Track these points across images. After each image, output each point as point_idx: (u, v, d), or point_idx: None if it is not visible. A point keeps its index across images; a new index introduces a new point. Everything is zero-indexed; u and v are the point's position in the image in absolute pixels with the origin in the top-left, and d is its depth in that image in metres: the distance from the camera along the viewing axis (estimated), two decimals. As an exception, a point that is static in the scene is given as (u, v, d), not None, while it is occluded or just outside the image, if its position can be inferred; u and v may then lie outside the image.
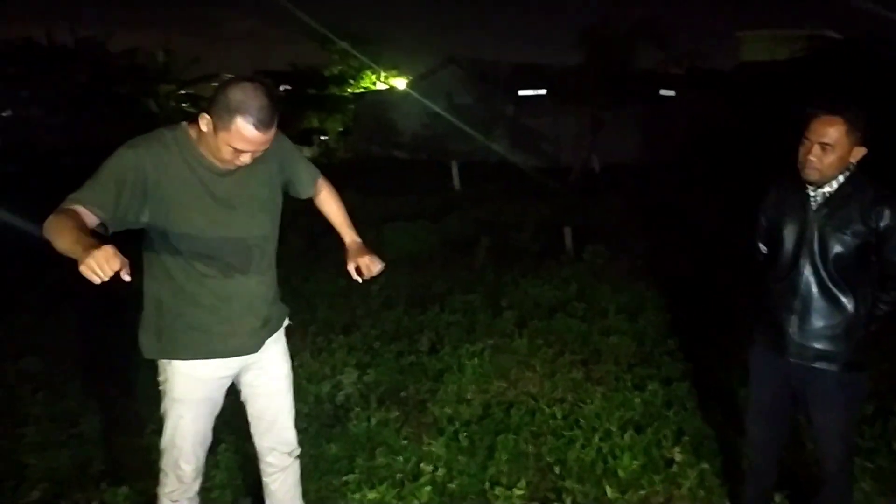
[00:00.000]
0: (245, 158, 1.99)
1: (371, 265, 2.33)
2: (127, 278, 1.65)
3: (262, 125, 1.91)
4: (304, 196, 2.41)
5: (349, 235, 2.46)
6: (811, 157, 2.26)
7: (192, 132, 2.04)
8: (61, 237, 1.71)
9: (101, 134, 20.06)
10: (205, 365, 2.16)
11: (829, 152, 2.24)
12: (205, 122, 1.95)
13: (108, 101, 21.67)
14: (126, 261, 1.63)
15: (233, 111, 1.89)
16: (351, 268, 2.37)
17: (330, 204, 2.49)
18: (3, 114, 21.79)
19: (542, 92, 20.97)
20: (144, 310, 2.15)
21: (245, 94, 1.90)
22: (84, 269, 1.59)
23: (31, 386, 3.80)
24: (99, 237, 1.76)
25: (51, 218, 1.79)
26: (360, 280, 2.37)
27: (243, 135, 1.91)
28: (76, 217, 1.80)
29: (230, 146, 1.94)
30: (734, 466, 3.02)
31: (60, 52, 22.36)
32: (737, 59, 26.04)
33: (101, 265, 1.58)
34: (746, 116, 17.06)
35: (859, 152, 2.28)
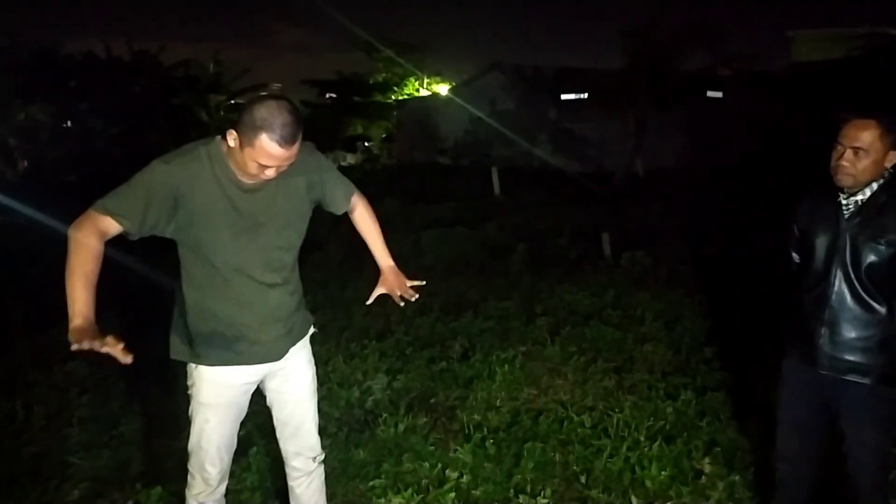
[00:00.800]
0: (270, 173, 2.05)
1: (407, 291, 2.46)
2: (127, 360, 1.86)
3: (284, 141, 1.97)
4: (338, 212, 2.44)
5: (384, 259, 2.51)
6: (844, 163, 2.21)
7: (224, 147, 2.11)
8: (72, 276, 1.90)
9: (156, 143, 20.84)
10: (229, 371, 2.22)
11: (863, 157, 2.19)
12: (232, 138, 2.02)
13: (162, 111, 22.44)
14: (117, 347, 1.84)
15: (257, 128, 1.95)
16: (375, 294, 2.49)
17: (365, 221, 2.50)
18: (64, 125, 22.73)
19: (586, 96, 20.78)
20: (175, 313, 2.24)
21: (269, 112, 1.96)
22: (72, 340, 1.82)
23: (78, 389, 3.97)
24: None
25: (76, 232, 1.93)
26: (369, 301, 2.50)
27: (267, 151, 1.97)
28: (96, 245, 1.93)
29: (255, 161, 2.00)
30: (768, 479, 2.94)
31: (117, 65, 23.26)
32: (788, 60, 25.24)
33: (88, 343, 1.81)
34: (799, 119, 16.54)
35: (895, 157, 2.21)
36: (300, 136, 2.02)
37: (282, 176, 2.15)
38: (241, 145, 2.00)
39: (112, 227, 1.96)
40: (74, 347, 1.83)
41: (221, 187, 2.09)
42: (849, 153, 2.20)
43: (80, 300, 1.87)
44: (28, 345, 4.79)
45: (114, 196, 1.98)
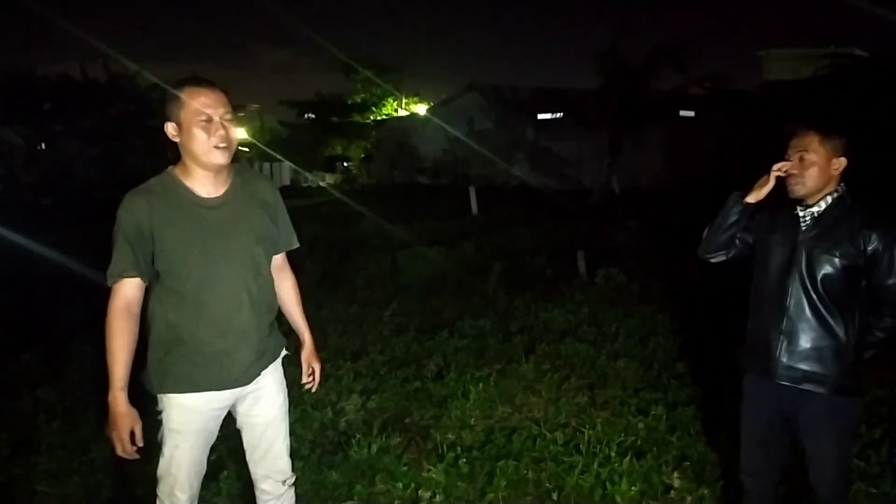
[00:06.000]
0: (218, 132, 2.09)
1: (316, 374, 2.55)
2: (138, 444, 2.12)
3: (205, 83, 2.12)
4: (278, 251, 2.42)
5: (307, 331, 2.54)
6: (792, 170, 2.36)
7: (179, 170, 2.16)
8: (111, 342, 2.08)
9: (133, 166, 20.67)
10: (200, 397, 2.20)
11: (808, 163, 2.33)
12: (171, 128, 2.11)
13: (138, 133, 22.28)
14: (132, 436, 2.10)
15: (178, 91, 2.09)
16: (307, 371, 2.53)
17: (289, 283, 2.49)
18: (39, 148, 22.49)
19: (562, 115, 21.07)
20: (149, 345, 2.22)
21: (179, 79, 2.15)
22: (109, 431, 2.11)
23: (47, 415, 3.91)
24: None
25: (109, 309, 2.10)
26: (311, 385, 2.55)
27: (197, 98, 2.08)
28: (126, 310, 2.10)
29: (197, 121, 2.07)
30: (736, 492, 2.99)
31: (94, 86, 23.11)
32: (759, 79, 25.81)
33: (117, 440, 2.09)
34: (769, 136, 16.84)
35: (839, 163, 2.34)
36: (219, 89, 2.15)
37: (246, 195, 2.22)
38: (179, 123, 2.09)
39: (128, 285, 2.10)
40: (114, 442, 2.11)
41: (183, 208, 2.13)
42: (795, 160, 2.35)
43: (119, 363, 2.07)
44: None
45: (112, 262, 2.11)
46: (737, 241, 2.56)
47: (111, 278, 2.11)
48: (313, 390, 2.55)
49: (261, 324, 2.29)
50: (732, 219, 2.51)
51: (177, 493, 2.25)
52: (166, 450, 2.23)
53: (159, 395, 2.22)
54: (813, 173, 2.33)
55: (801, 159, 2.33)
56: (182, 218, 2.12)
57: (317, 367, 2.55)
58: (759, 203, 2.52)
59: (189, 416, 2.22)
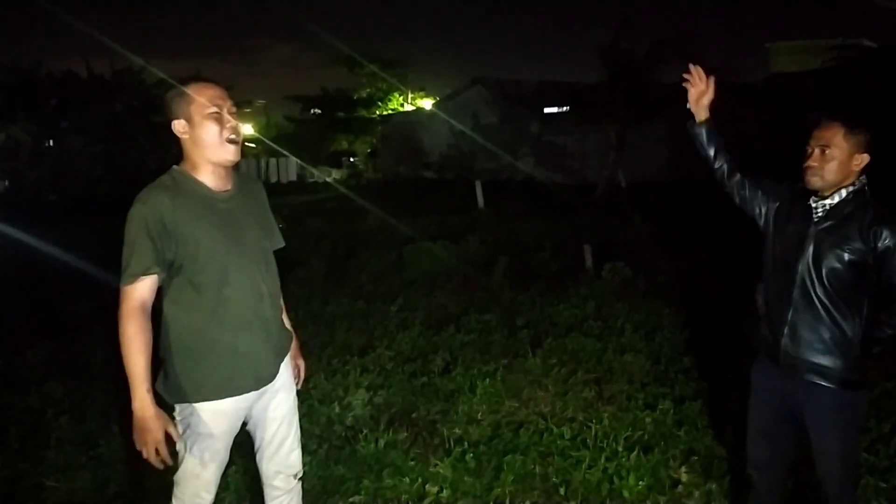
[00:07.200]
0: (230, 124, 2.11)
1: (303, 373, 2.54)
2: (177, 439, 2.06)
3: (206, 79, 2.13)
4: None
5: (292, 330, 2.51)
6: (812, 163, 2.31)
7: (187, 166, 2.15)
8: (129, 347, 1.99)
9: (137, 161, 20.75)
10: (231, 399, 2.18)
11: (829, 157, 2.28)
12: (180, 126, 2.10)
13: (143, 129, 22.35)
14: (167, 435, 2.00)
15: (183, 89, 2.09)
16: (294, 368, 2.49)
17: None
18: (45, 144, 22.55)
19: (567, 109, 21.00)
20: (165, 359, 2.16)
21: (181, 79, 2.14)
22: (139, 439, 2.00)
23: (55, 410, 3.92)
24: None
25: (123, 313, 2.00)
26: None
27: (205, 92, 2.08)
28: (143, 315, 2.01)
29: (208, 113, 2.07)
30: (744, 486, 2.98)
31: (99, 83, 23.18)
32: (766, 71, 25.69)
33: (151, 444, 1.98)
34: (776, 129, 16.77)
35: (861, 159, 2.28)
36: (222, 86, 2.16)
37: (246, 191, 2.25)
38: (190, 120, 2.08)
39: (145, 284, 2.01)
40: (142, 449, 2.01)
41: (199, 200, 2.12)
42: (816, 153, 2.29)
43: (141, 365, 1.98)
44: (2, 366, 4.73)
45: (127, 264, 2.01)
46: (743, 180, 2.66)
47: (131, 277, 2.00)
48: (299, 386, 2.50)
49: (276, 317, 2.31)
50: (695, 138, 2.78)
51: (203, 494, 2.23)
52: (194, 453, 2.17)
53: (185, 403, 2.16)
54: (832, 167, 2.27)
55: (823, 152, 2.28)
56: (203, 211, 2.11)
57: (302, 364, 2.54)
58: (776, 192, 2.50)
59: (220, 419, 2.19)
